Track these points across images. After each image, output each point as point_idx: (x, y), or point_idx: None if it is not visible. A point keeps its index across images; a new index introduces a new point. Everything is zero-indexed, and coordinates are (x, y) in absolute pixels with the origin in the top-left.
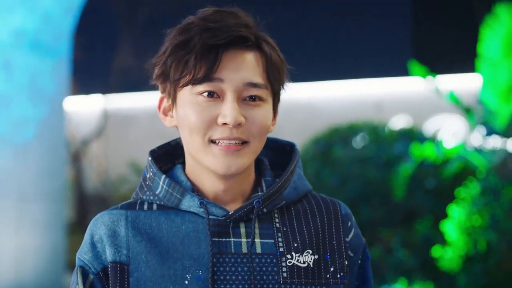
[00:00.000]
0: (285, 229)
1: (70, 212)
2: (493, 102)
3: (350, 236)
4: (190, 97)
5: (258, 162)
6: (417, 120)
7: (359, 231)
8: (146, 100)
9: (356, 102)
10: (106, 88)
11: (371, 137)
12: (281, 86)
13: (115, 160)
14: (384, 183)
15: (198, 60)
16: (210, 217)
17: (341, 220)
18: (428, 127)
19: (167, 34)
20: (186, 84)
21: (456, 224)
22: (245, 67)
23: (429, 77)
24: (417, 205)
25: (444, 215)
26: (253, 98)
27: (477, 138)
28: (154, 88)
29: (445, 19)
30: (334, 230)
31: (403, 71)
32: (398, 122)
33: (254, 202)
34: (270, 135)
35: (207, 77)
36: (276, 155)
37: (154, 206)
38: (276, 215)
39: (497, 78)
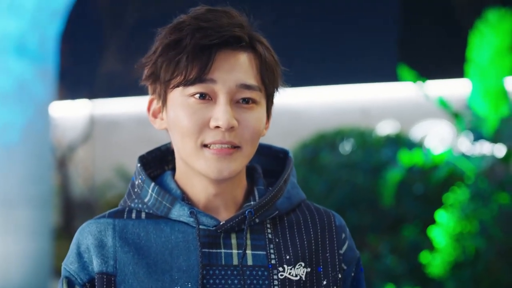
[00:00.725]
0: (277, 240)
1: (56, 217)
2: (482, 107)
3: (344, 248)
4: (181, 98)
5: (250, 170)
6: (404, 125)
7: (353, 243)
8: (132, 105)
9: (343, 108)
10: (92, 93)
11: (358, 142)
12: (275, 88)
13: (102, 166)
14: (372, 189)
15: (190, 60)
16: (201, 227)
17: (335, 232)
18: (415, 133)
19: (157, 33)
20: (177, 85)
21: (445, 230)
22: (238, 68)
23: (419, 82)
24: (404, 211)
25: (432, 221)
26: (246, 100)
27: (466, 143)
28: (140, 93)
29: (433, 24)
30: (327, 242)
31: (390, 77)
32: (385, 128)
33: (246, 212)
34: (262, 139)
35: (199, 78)
36: (269, 162)
37: (143, 215)
38: (268, 226)
39: (486, 83)
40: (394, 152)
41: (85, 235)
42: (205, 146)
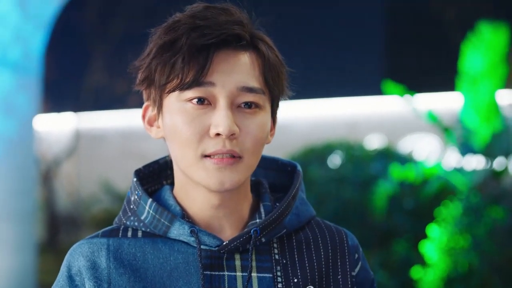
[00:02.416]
0: (284, 261)
1: (41, 232)
2: (474, 121)
3: (357, 270)
4: (178, 104)
5: (256, 184)
6: (392, 139)
7: (367, 264)
8: (118, 119)
9: (330, 121)
10: (77, 106)
11: (347, 156)
12: (280, 91)
13: (87, 180)
14: (361, 203)
15: (186, 62)
16: (202, 247)
17: (348, 252)
18: (403, 146)
19: (151, 33)
20: (173, 90)
21: (437, 245)
22: (239, 70)
23: (407, 96)
24: (395, 225)
25: (423, 236)
26: (248, 104)
27: (457, 157)
28: (126, 106)
29: (421, 37)
30: (339, 263)
31: (377, 90)
32: (373, 141)
33: (252, 231)
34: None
35: (197, 81)
36: (276, 176)
37: (139, 233)
38: (275, 245)
39: (478, 96)
40: (383, 166)
41: (76, 256)
42: (206, 156)
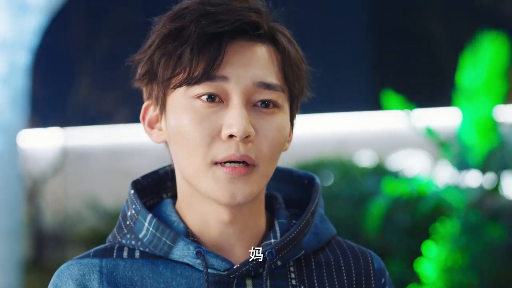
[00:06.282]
0: (302, 287)
1: (26, 250)
2: (471, 137)
3: None
4: (184, 101)
5: (269, 198)
6: (382, 155)
7: None
8: (105, 135)
9: (321, 138)
10: (64, 121)
11: (340, 173)
12: (300, 90)
13: (73, 197)
14: (354, 220)
15: (195, 53)
16: (209, 271)
17: (373, 276)
18: (394, 162)
19: (154, 22)
20: (179, 85)
21: (435, 263)
22: (255, 63)
23: (406, 110)
24: (389, 243)
25: (418, 254)
26: (266, 103)
27: (453, 173)
28: (114, 122)
29: (414, 50)
30: None
31: (368, 106)
32: (363, 157)
33: (266, 253)
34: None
35: (207, 75)
36: (291, 189)
37: (137, 254)
38: (292, 269)
39: (476, 111)
40: (376, 183)
41: (65, 279)
42: (216, 163)
